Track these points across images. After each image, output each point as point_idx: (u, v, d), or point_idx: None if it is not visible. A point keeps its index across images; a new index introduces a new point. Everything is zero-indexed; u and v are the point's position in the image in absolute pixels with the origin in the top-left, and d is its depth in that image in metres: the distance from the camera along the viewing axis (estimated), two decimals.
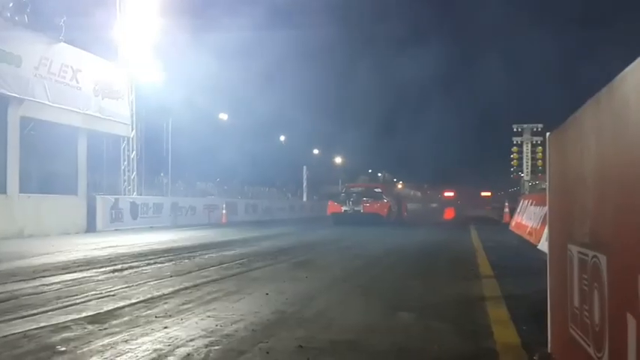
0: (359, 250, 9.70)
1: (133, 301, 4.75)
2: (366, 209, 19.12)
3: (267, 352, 3.19)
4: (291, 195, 43.49)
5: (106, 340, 3.44)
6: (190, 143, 28.61)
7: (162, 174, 25.17)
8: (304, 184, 41.82)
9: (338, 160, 61.25)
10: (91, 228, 15.28)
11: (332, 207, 19.92)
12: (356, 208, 19.10)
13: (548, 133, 3.06)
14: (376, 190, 20.82)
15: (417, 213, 37.73)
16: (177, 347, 3.30)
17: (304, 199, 40.64)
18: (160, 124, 22.57)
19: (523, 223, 13.24)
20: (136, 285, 5.59)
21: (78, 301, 4.76)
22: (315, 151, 56.09)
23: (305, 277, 6.18)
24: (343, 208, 19.29)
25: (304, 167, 41.99)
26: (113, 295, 5.02)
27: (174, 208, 19.81)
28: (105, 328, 3.76)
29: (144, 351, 3.22)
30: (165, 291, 5.23)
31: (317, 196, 42.19)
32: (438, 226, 20.82)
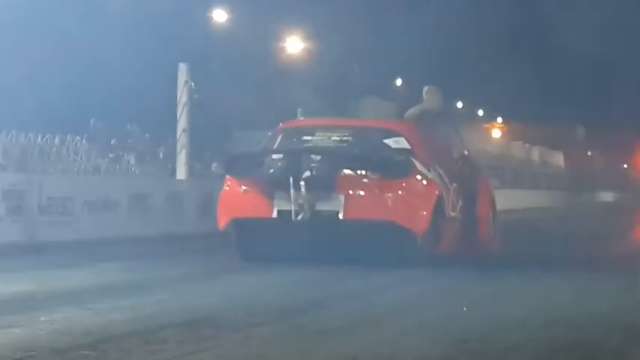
0: (358, 342, 4.49)
1: None
2: (355, 210, 8.36)
3: None
4: (137, 161, 21.17)
5: None
6: None
7: None
8: (180, 128, 14.67)
9: (294, 45, 28.99)
10: None
11: (234, 199, 8.94)
12: (321, 207, 8.40)
13: None
14: (390, 141, 8.92)
15: (546, 224, 19.67)
16: None
17: (180, 173, 15.96)
18: None
19: None
20: None
21: None
22: (220, 17, 27.29)
23: None
24: (276, 207, 8.51)
25: (182, 68, 14.77)
26: None
27: None
28: None
29: None
30: None
31: (220, 164, 17.53)
32: (613, 259, 10.19)
